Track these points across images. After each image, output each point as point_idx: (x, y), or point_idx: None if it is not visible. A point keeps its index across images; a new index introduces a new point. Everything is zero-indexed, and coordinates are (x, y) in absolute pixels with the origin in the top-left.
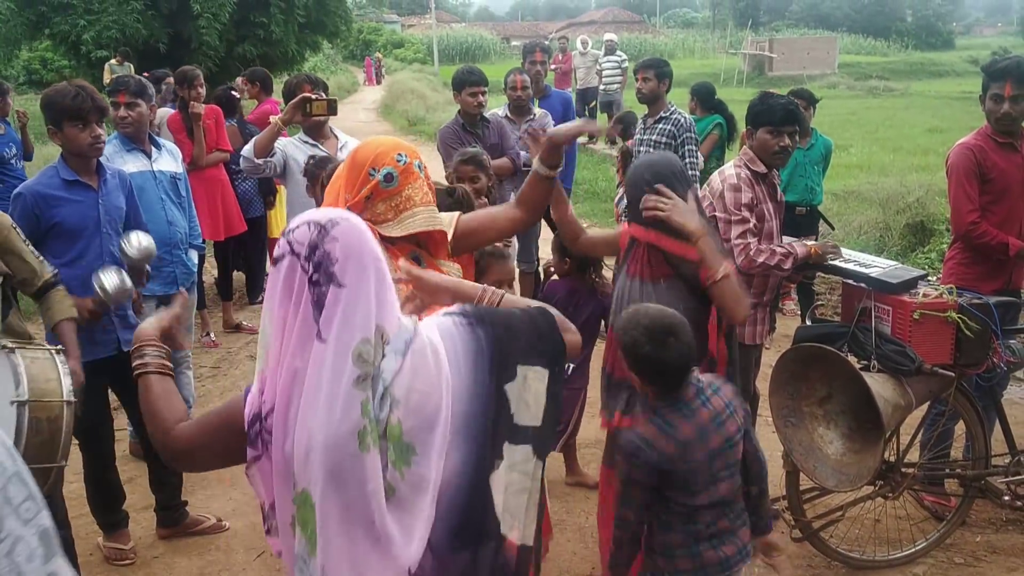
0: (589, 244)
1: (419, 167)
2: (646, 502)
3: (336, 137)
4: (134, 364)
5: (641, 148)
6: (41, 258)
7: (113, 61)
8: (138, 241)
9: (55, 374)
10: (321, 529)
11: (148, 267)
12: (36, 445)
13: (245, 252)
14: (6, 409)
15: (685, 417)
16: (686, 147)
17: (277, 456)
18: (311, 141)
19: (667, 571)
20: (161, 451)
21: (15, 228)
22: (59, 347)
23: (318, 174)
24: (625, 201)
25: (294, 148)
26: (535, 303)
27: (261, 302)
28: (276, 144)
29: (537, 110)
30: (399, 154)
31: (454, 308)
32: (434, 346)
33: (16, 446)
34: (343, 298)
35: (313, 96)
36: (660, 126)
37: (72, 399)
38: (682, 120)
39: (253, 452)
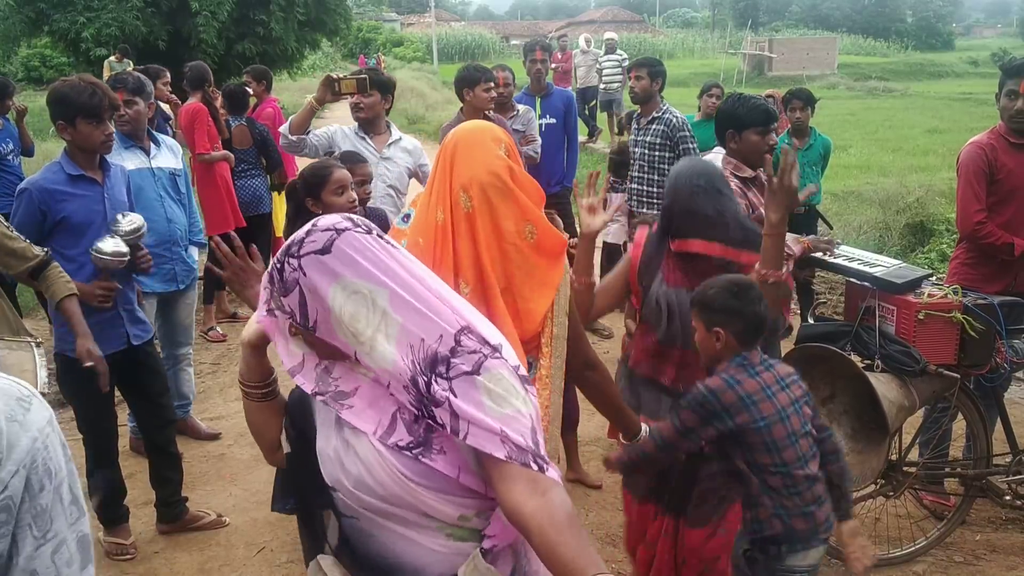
0: (602, 303)
1: None
2: (687, 448)
3: (390, 132)
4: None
5: (636, 149)
6: (27, 241)
7: (112, 58)
8: (127, 219)
9: (31, 365)
10: None
11: (142, 245)
12: None
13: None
14: None
15: (750, 375)
16: (682, 146)
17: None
18: (361, 134)
19: (781, 532)
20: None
21: None
22: (38, 339)
23: (326, 176)
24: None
25: (342, 137)
26: None
27: None
28: (326, 129)
29: (520, 107)
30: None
31: None
32: None
33: None
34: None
35: (339, 75)
36: (654, 127)
37: (45, 391)
38: (674, 120)
39: None
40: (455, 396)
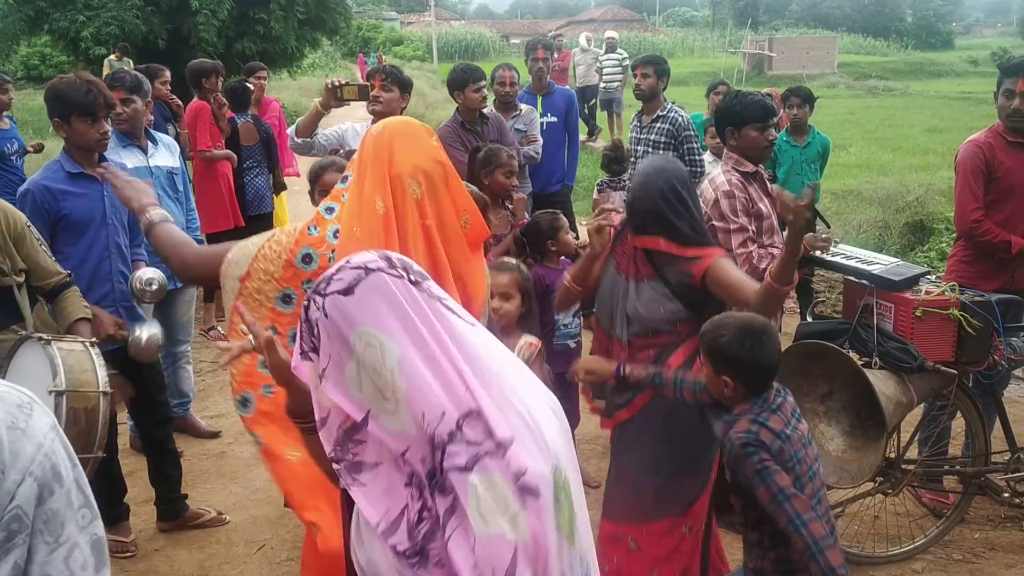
0: (585, 287)
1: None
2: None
3: None
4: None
5: (639, 148)
6: (53, 258)
7: (112, 57)
8: (148, 281)
9: (90, 365)
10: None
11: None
12: (74, 436)
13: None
14: (44, 399)
15: (774, 412)
16: (686, 146)
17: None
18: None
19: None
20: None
21: (29, 226)
22: (93, 340)
23: (320, 176)
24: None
25: (353, 136)
26: None
27: None
28: (337, 128)
29: (523, 106)
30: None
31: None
32: None
33: None
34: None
35: (343, 82)
36: (659, 125)
37: (108, 390)
38: (680, 119)
39: None
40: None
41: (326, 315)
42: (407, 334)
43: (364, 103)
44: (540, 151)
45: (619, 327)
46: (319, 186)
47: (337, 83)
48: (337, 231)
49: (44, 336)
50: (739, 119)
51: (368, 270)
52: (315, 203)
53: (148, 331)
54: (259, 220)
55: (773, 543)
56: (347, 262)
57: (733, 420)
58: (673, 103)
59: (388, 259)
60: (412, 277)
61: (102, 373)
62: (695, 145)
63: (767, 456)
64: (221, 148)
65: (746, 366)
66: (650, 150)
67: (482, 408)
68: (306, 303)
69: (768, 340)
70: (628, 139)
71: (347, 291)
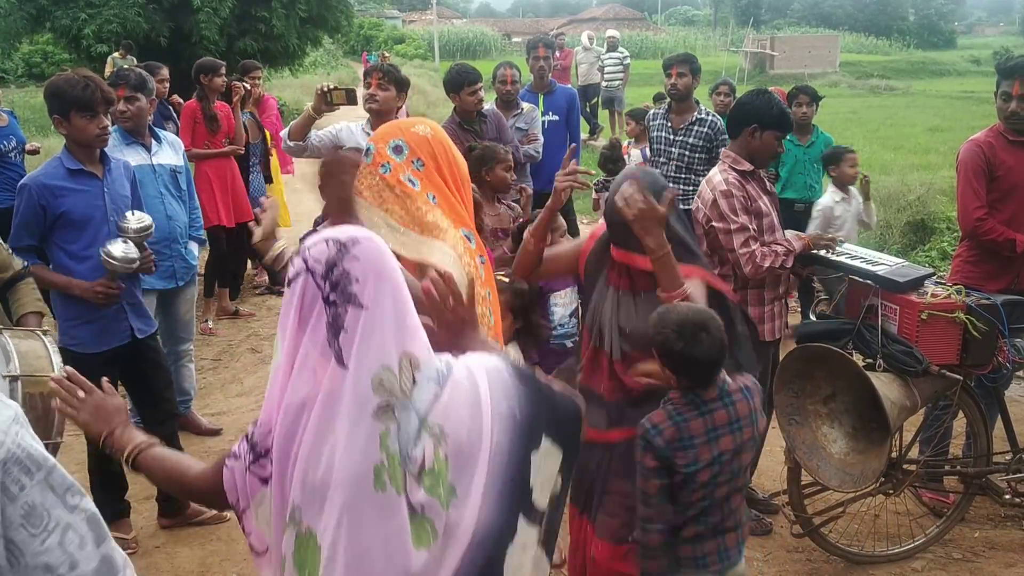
0: (549, 267)
1: (367, 151)
2: (666, 493)
3: None
4: (123, 455)
5: (672, 150)
6: (10, 251)
7: (116, 55)
8: (136, 217)
9: (44, 352)
10: (327, 573)
11: (147, 245)
12: (32, 421)
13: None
14: None
15: (700, 415)
16: (719, 149)
17: (276, 492)
18: (368, 130)
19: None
20: (196, 500)
21: None
22: (45, 329)
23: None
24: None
25: (349, 134)
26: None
27: (279, 292)
28: (332, 128)
29: (524, 105)
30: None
31: (495, 356)
32: (475, 381)
33: None
34: (363, 320)
35: (332, 87)
36: (696, 128)
37: (64, 375)
38: (719, 123)
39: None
40: None
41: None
42: (287, 347)
43: (362, 103)
44: (541, 150)
45: (609, 342)
46: None
47: (327, 88)
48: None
49: None
50: (765, 121)
51: (307, 269)
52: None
53: (121, 247)
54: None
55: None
56: (314, 244)
57: (664, 403)
58: (702, 106)
59: (331, 266)
60: (333, 295)
61: (56, 359)
62: (724, 148)
63: (651, 459)
64: (214, 147)
65: (685, 361)
66: (686, 152)
67: (275, 435)
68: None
69: (707, 335)
70: (652, 138)
71: (288, 282)
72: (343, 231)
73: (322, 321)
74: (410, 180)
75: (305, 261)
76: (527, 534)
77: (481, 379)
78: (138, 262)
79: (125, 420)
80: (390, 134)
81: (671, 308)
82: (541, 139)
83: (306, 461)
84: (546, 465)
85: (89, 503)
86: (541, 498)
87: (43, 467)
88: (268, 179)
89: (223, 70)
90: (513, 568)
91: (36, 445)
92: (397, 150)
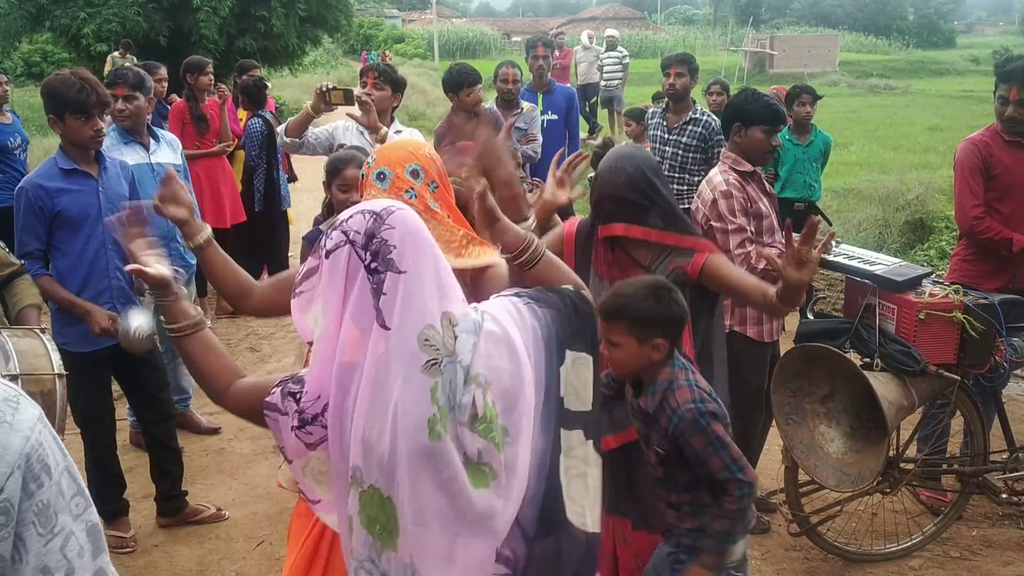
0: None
1: (380, 176)
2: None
3: (392, 125)
4: (170, 330)
5: (667, 148)
6: (7, 249)
7: (116, 54)
8: (137, 327)
9: (43, 350)
10: (403, 527)
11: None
12: None
13: (271, 243)
14: None
15: (692, 372)
16: (715, 150)
17: (335, 455)
18: (361, 131)
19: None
20: (222, 405)
21: None
22: (44, 327)
23: (342, 170)
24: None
25: (343, 132)
26: (572, 279)
27: None
28: (328, 127)
29: (525, 104)
30: (372, 156)
31: (511, 291)
32: (504, 328)
33: None
34: (403, 284)
35: (331, 86)
36: (690, 128)
37: (64, 372)
38: (713, 123)
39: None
40: None
41: (323, 260)
42: (332, 317)
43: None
44: (539, 150)
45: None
46: (340, 180)
47: (326, 88)
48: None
49: None
50: (748, 118)
51: (347, 241)
52: (332, 196)
53: (136, 322)
54: (282, 216)
55: (693, 507)
56: (350, 217)
57: (663, 390)
58: (698, 105)
59: (370, 236)
60: (374, 264)
61: (55, 357)
62: (724, 150)
63: (718, 426)
64: (204, 147)
65: (673, 322)
66: (680, 151)
67: (331, 399)
68: (325, 234)
69: (676, 293)
70: (649, 138)
71: (328, 253)
72: (376, 203)
73: (366, 288)
74: (434, 205)
75: (345, 233)
76: (569, 439)
77: (506, 322)
78: (154, 335)
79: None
80: (404, 159)
81: (627, 285)
82: (540, 139)
83: (364, 419)
84: (577, 373)
85: (92, 513)
86: (574, 403)
87: (59, 469)
88: (292, 178)
89: (209, 68)
90: (567, 470)
91: (55, 447)
92: (415, 174)
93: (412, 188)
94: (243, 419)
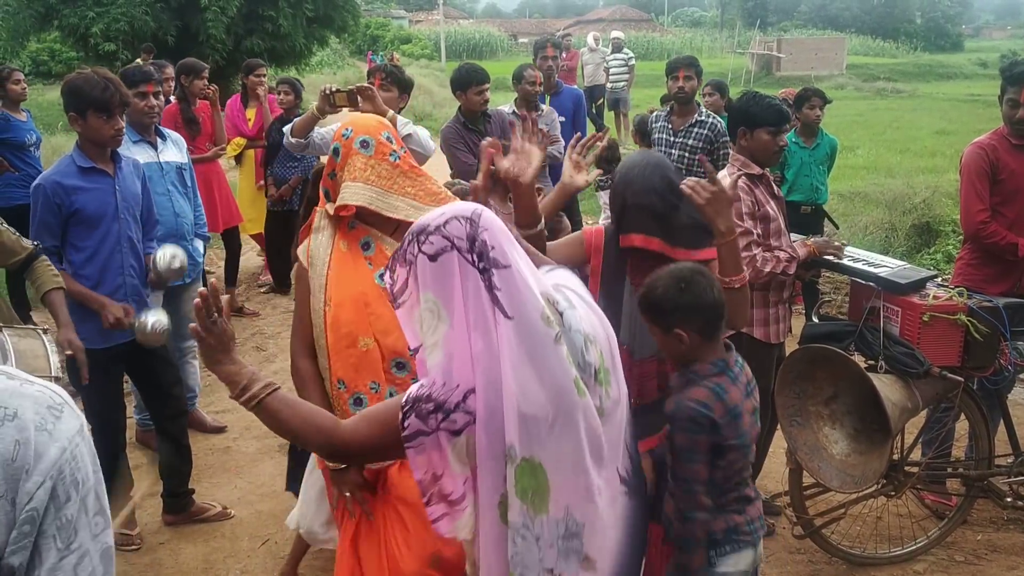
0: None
1: (363, 144)
2: (708, 467)
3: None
4: (241, 401)
5: (673, 151)
6: (17, 234)
7: (139, 60)
8: (166, 255)
9: (43, 351)
10: (554, 484)
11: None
12: None
13: (286, 241)
14: None
15: (733, 381)
16: (721, 151)
17: (485, 437)
18: None
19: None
20: (331, 456)
21: None
22: (44, 327)
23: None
24: (608, 207)
25: None
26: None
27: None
28: (332, 127)
29: (544, 107)
30: (346, 129)
31: (551, 270)
32: (573, 290)
33: None
34: (509, 277)
35: (335, 88)
36: (696, 130)
37: (60, 375)
38: (719, 125)
39: (420, 433)
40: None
41: (416, 264)
42: (456, 315)
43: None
44: (563, 151)
45: (639, 346)
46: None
47: (331, 90)
48: None
49: None
50: (753, 120)
51: (452, 247)
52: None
53: (154, 317)
54: (285, 215)
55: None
56: (445, 223)
57: (691, 378)
58: (703, 108)
59: (472, 240)
60: (482, 264)
61: (55, 359)
62: (729, 151)
63: (704, 439)
64: (196, 151)
65: (690, 309)
66: (686, 154)
67: (477, 388)
68: (409, 237)
69: (702, 278)
70: (653, 140)
71: (432, 257)
72: (461, 208)
73: (480, 287)
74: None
75: (447, 239)
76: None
77: (575, 285)
78: (181, 274)
79: (235, 351)
80: (378, 127)
81: (654, 275)
82: (562, 141)
83: (517, 396)
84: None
85: (109, 535)
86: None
87: (86, 486)
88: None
89: (205, 73)
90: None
91: (89, 463)
92: (390, 140)
93: (395, 151)
94: (367, 460)
